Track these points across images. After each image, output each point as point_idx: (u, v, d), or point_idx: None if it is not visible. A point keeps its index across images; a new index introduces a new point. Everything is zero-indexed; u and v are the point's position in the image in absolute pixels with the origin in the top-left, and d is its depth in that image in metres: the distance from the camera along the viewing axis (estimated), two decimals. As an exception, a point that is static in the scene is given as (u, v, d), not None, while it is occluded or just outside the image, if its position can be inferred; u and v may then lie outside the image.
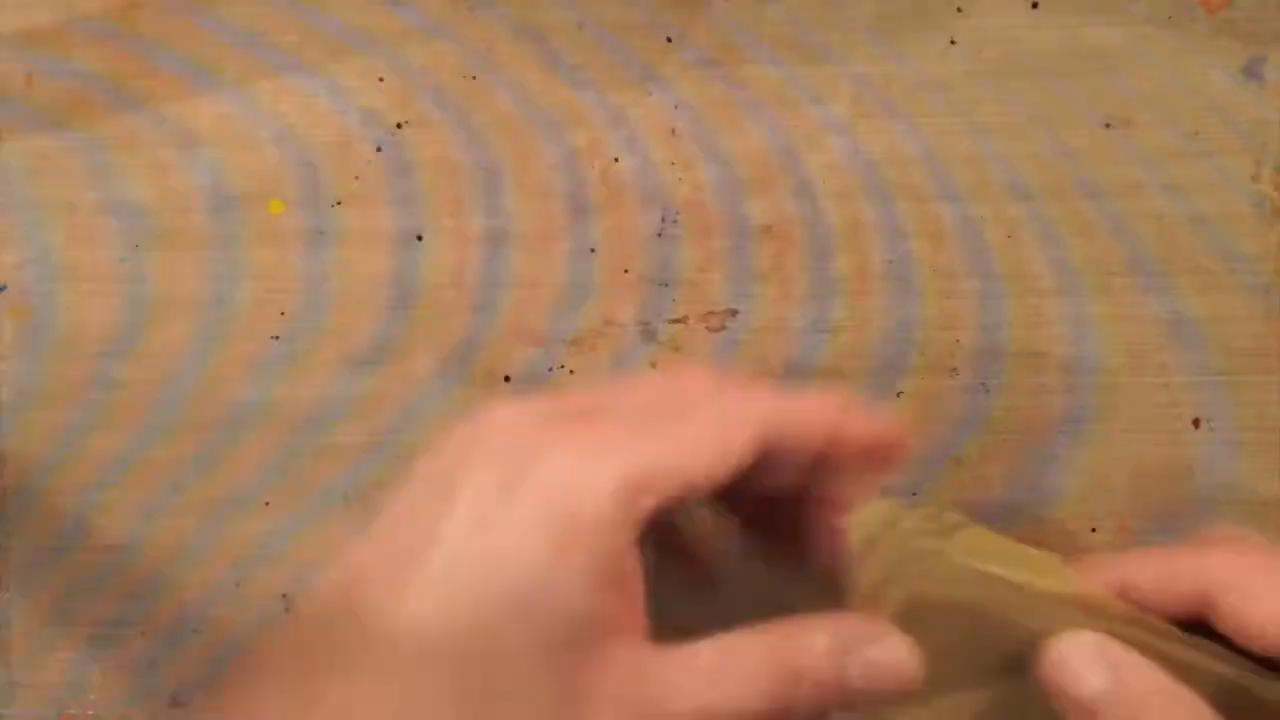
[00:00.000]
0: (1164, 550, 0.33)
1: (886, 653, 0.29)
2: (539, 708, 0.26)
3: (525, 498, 0.27)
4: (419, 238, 0.39)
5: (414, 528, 0.28)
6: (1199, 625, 0.32)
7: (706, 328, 0.39)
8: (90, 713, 0.40)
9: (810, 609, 0.30)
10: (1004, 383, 0.38)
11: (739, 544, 0.32)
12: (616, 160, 0.39)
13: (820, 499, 0.31)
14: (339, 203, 0.39)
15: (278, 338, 0.40)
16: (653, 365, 0.39)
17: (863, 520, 0.32)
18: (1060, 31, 0.39)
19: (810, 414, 0.30)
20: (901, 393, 0.38)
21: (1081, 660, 0.30)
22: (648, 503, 0.27)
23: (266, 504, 0.39)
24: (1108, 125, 0.39)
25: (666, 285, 0.39)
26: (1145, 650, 0.30)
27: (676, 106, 0.39)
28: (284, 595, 0.39)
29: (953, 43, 0.39)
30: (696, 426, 0.28)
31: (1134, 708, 0.30)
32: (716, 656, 0.28)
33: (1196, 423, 0.38)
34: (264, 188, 0.40)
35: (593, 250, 0.39)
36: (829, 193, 0.39)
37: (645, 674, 0.27)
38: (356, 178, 0.39)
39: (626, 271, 0.39)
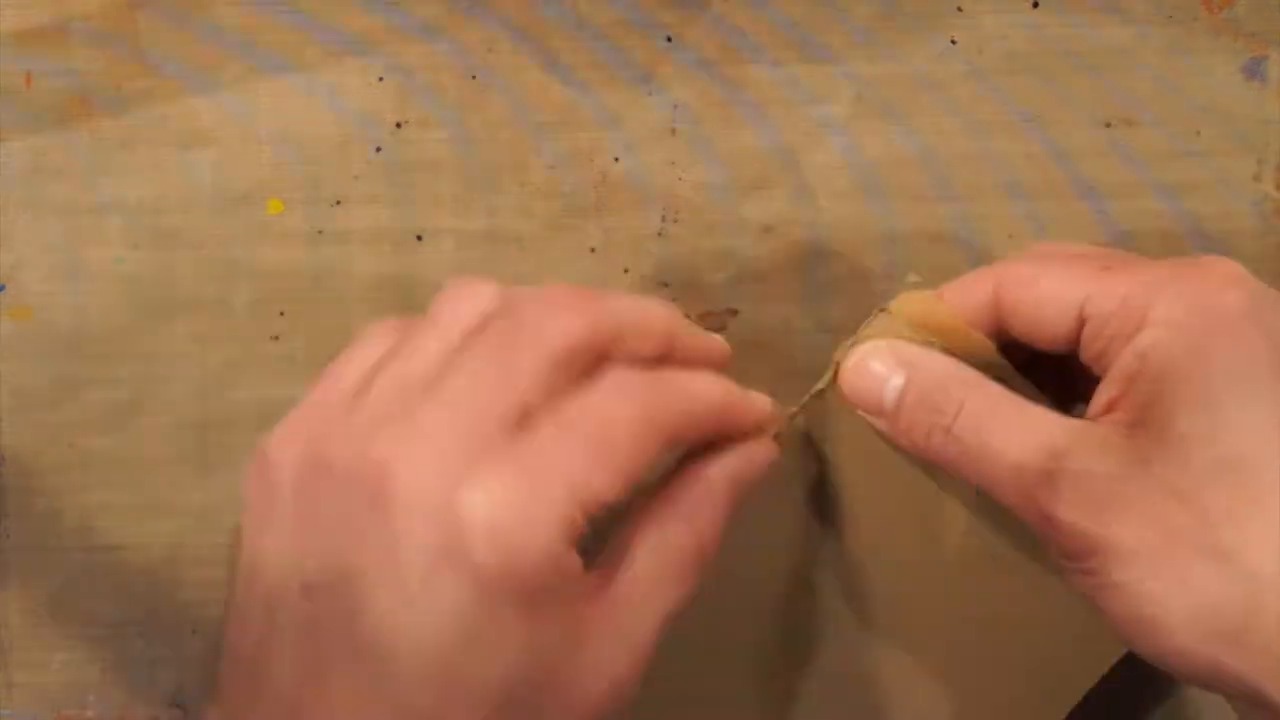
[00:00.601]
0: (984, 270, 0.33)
1: (762, 463, 0.33)
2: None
3: (470, 576, 0.28)
4: (419, 238, 0.39)
5: (344, 595, 0.29)
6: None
7: (706, 327, 0.39)
8: (89, 713, 0.40)
9: None
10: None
11: None
12: (616, 160, 0.39)
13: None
14: (338, 203, 0.39)
15: (278, 338, 0.40)
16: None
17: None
18: (1060, 31, 0.39)
19: (709, 397, 0.32)
20: (901, 393, 0.38)
21: (878, 360, 0.33)
22: (579, 533, 0.29)
23: (266, 504, 0.39)
24: (1108, 125, 0.39)
25: (666, 285, 0.39)
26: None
27: (676, 106, 0.39)
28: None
29: (953, 43, 0.39)
30: (621, 447, 0.30)
31: (932, 395, 0.32)
32: (655, 565, 0.30)
33: (1197, 423, 0.38)
34: (264, 188, 0.40)
35: (593, 250, 0.39)
36: (829, 192, 0.39)
37: (613, 616, 0.29)
38: (356, 178, 0.39)
39: (626, 271, 0.39)
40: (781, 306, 0.39)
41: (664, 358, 0.32)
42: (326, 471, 0.29)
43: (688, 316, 0.39)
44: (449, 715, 0.28)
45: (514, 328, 0.30)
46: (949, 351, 0.32)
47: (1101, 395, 0.30)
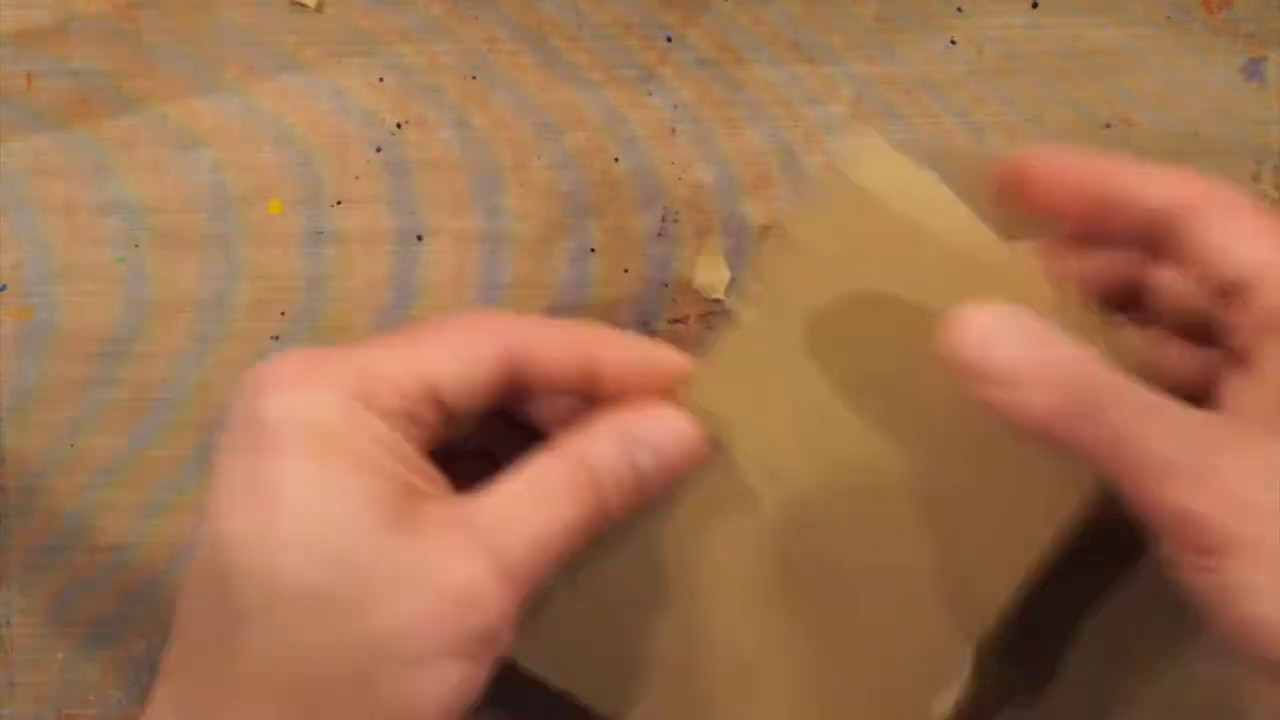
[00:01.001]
0: (1128, 166, 0.32)
1: (667, 434, 0.32)
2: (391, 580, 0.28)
3: (258, 430, 0.29)
4: (419, 238, 0.39)
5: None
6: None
7: (707, 327, 0.39)
8: (90, 713, 0.40)
9: None
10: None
11: None
12: (616, 160, 0.39)
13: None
14: (339, 203, 0.39)
15: (278, 338, 0.40)
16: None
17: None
18: (1060, 31, 0.39)
19: (562, 338, 0.32)
20: (901, 393, 0.38)
21: (998, 330, 0.30)
22: (401, 414, 0.30)
23: (266, 504, 0.39)
24: (1107, 125, 0.39)
25: (666, 285, 0.39)
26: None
27: (676, 106, 0.39)
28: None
29: (952, 43, 0.39)
30: (433, 339, 0.31)
31: (1074, 374, 0.29)
32: (524, 487, 0.30)
33: (1196, 423, 0.38)
34: (264, 188, 0.40)
35: (592, 250, 0.39)
36: (829, 193, 0.39)
37: (469, 519, 0.29)
38: (356, 178, 0.39)
39: (626, 271, 0.39)
40: (781, 306, 0.39)
41: (594, 377, 0.32)
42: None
43: (686, 318, 0.39)
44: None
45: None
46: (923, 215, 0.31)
47: (1253, 392, 0.29)
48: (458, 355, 0.31)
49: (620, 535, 0.33)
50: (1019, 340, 0.30)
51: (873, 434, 0.33)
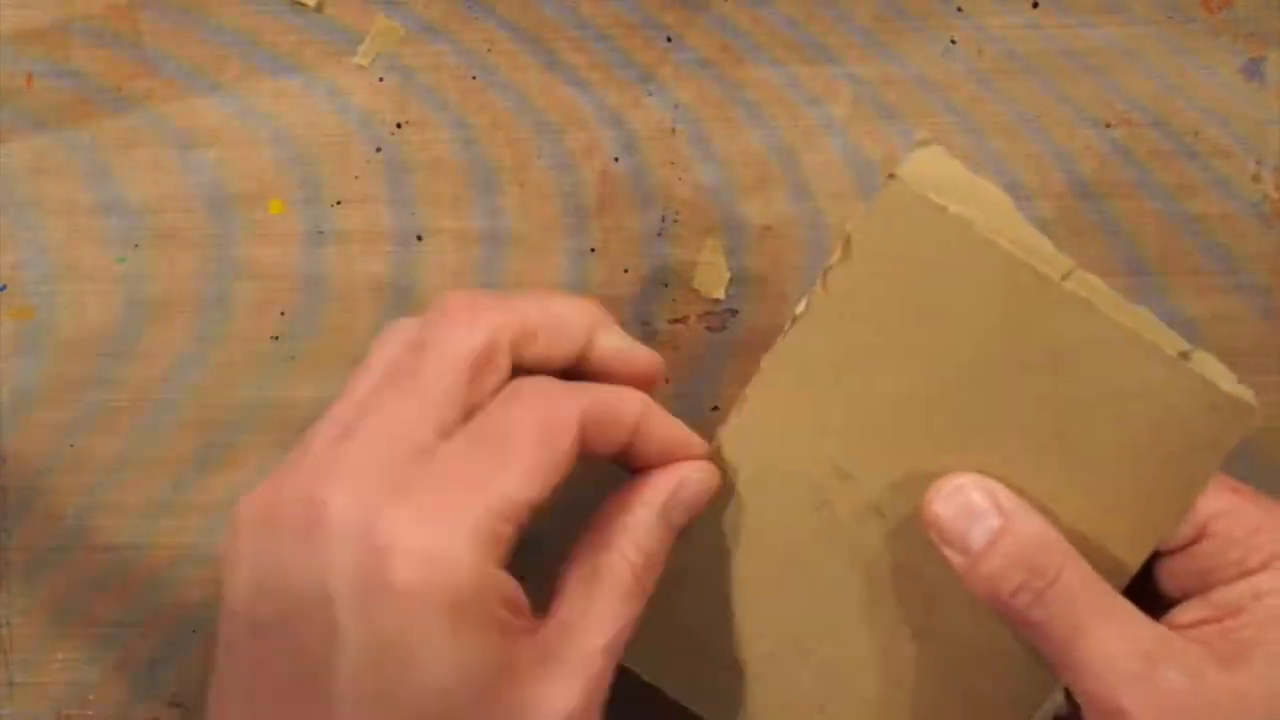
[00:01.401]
0: None
1: (700, 494, 0.33)
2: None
3: (391, 597, 0.29)
4: (419, 238, 0.39)
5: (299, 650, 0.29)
6: None
7: (706, 328, 0.39)
8: (90, 713, 0.40)
9: None
10: (1003, 383, 0.38)
11: None
12: (616, 160, 0.39)
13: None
14: (338, 203, 0.39)
15: (278, 338, 0.40)
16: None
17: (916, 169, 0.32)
18: (1060, 31, 0.39)
19: (622, 405, 0.32)
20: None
21: (979, 494, 0.32)
22: (503, 542, 0.30)
23: (266, 504, 0.39)
24: (1107, 125, 0.39)
25: (666, 285, 0.39)
26: None
27: (675, 107, 0.39)
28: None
29: (952, 43, 0.39)
30: (525, 448, 0.30)
31: (1032, 552, 0.31)
32: (589, 602, 0.31)
33: (1196, 423, 0.38)
34: (263, 188, 0.40)
35: (592, 250, 0.39)
36: (827, 193, 0.39)
37: (555, 652, 0.30)
38: (356, 178, 0.39)
39: (626, 271, 0.39)
40: (781, 306, 0.39)
41: (583, 358, 0.33)
42: (274, 520, 0.30)
43: (686, 318, 0.39)
44: None
45: (420, 354, 0.31)
46: (966, 207, 0.32)
47: (1194, 611, 0.32)
48: (549, 463, 0.31)
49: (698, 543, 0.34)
50: (987, 502, 0.32)
51: (946, 440, 0.33)
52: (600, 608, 0.31)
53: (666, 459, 0.33)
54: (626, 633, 0.31)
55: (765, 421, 0.34)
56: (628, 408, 0.32)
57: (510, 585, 0.30)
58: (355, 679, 0.28)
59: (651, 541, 0.32)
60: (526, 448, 0.30)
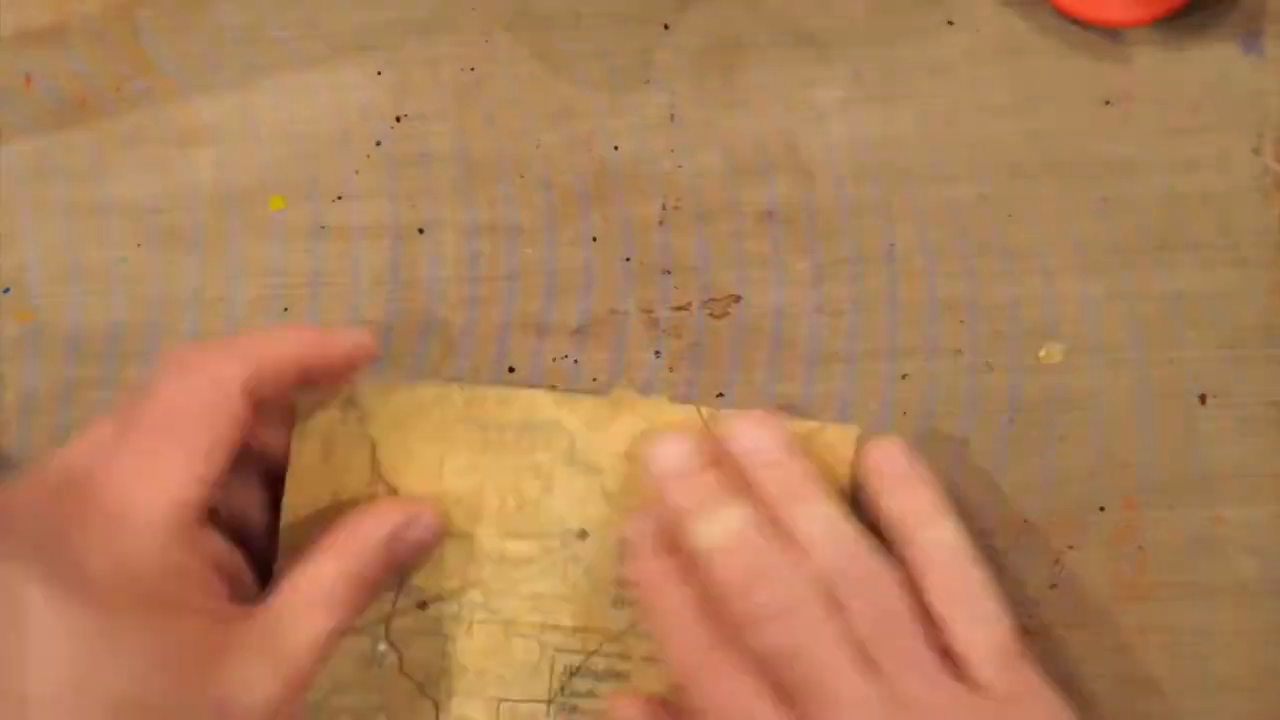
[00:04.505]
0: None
1: (426, 531, 0.36)
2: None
3: (81, 596, 0.30)
4: (420, 230, 0.39)
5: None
6: None
7: (710, 314, 0.39)
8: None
9: None
10: (1008, 362, 0.38)
11: None
12: (615, 149, 0.39)
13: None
14: (339, 197, 0.40)
15: (280, 334, 0.40)
16: (656, 354, 0.39)
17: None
18: (1056, 10, 0.39)
19: (285, 348, 0.34)
20: (906, 374, 0.38)
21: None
22: (189, 525, 0.32)
23: (272, 500, 0.39)
24: (1107, 102, 0.39)
25: (668, 272, 0.39)
26: None
27: (674, 94, 0.39)
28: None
29: (950, 23, 0.39)
30: (189, 434, 0.32)
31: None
32: (305, 598, 0.33)
33: (1203, 399, 0.38)
34: (264, 184, 0.40)
35: (594, 239, 0.39)
36: (829, 176, 0.39)
37: (263, 641, 0.32)
38: (357, 172, 0.40)
39: (628, 260, 0.39)
40: (784, 291, 0.39)
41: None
42: None
43: (689, 305, 0.39)
44: None
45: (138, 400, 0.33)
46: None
47: None
48: (227, 422, 0.33)
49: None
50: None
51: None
52: (311, 609, 0.33)
53: (345, 367, 0.36)
54: (334, 633, 0.33)
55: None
56: (286, 351, 0.34)
57: (209, 573, 0.32)
58: (48, 676, 0.30)
59: (370, 562, 0.34)
60: (189, 434, 0.32)
